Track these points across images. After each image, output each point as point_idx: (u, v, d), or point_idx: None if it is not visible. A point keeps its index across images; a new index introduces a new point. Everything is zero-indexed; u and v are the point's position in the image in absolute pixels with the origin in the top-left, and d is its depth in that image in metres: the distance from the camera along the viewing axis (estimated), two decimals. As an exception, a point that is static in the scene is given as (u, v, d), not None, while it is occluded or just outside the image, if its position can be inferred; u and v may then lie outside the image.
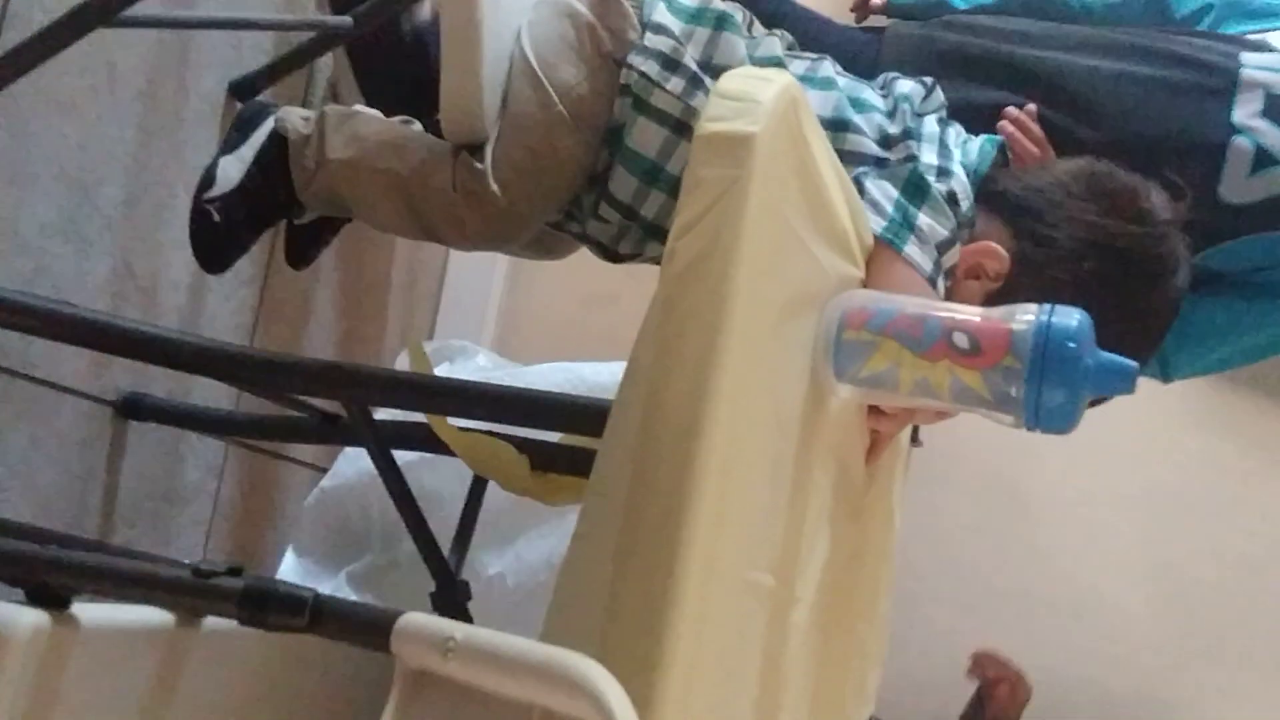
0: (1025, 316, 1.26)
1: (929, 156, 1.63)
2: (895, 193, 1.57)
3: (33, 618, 1.05)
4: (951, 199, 1.60)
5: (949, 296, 1.60)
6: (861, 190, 1.55)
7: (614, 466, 1.14)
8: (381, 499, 2.14)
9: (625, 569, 1.09)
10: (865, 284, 1.48)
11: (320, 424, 2.09)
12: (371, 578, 2.42)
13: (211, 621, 1.19)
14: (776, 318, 1.22)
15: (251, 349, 2.32)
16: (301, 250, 2.07)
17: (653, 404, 1.12)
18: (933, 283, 1.54)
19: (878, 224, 1.53)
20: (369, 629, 1.06)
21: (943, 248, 1.57)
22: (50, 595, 1.09)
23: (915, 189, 1.58)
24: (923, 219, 1.56)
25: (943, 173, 1.62)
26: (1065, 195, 1.66)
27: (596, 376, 2.35)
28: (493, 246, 1.90)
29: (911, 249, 1.52)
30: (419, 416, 1.84)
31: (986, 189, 1.68)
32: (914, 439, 1.77)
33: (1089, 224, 1.64)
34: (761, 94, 1.16)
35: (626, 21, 1.72)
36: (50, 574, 1.11)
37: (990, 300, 1.62)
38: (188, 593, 1.14)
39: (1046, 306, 1.27)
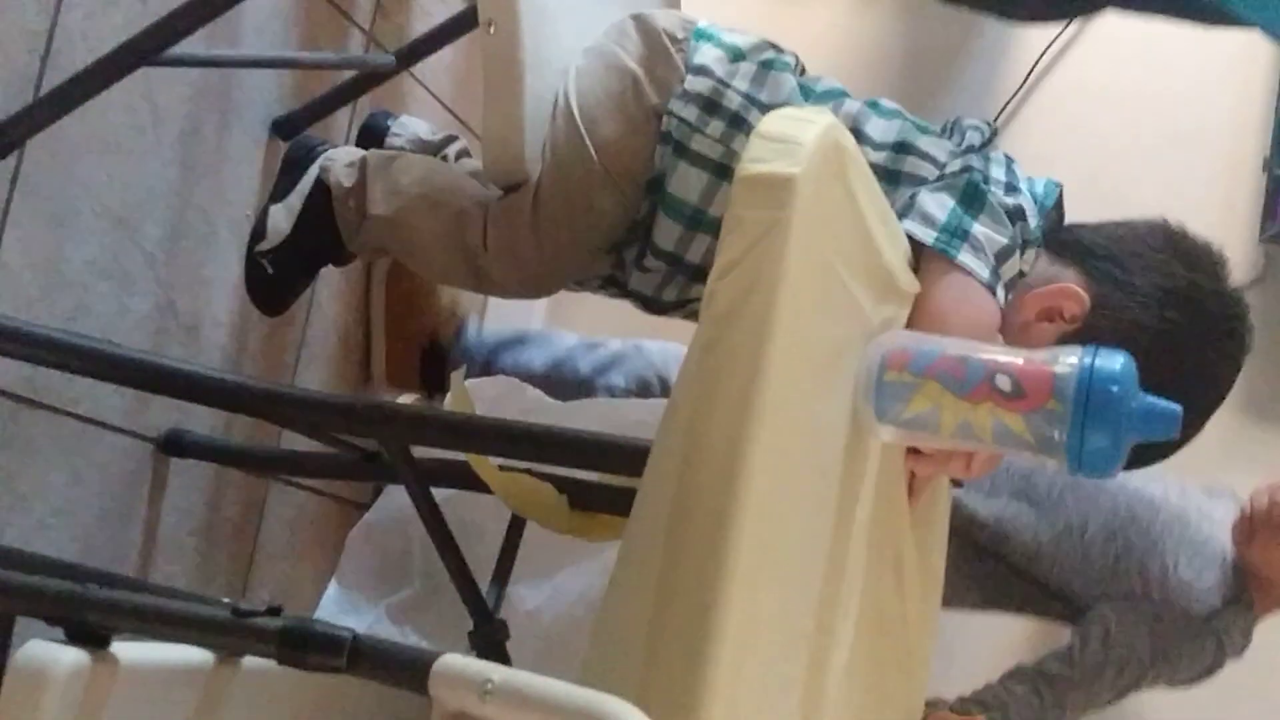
0: (1069, 359, 1.25)
1: (997, 173, 1.61)
2: (952, 202, 1.55)
3: (72, 656, 1.06)
4: (1019, 213, 1.58)
5: (1020, 340, 1.58)
6: (915, 203, 1.54)
7: (653, 508, 1.13)
8: (423, 532, 2.14)
9: (664, 611, 1.09)
10: (920, 299, 1.46)
11: (361, 461, 2.09)
12: (412, 610, 2.42)
13: (250, 661, 1.19)
14: (817, 359, 1.21)
15: (292, 388, 2.32)
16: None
17: (693, 445, 1.11)
18: (992, 290, 1.52)
19: (928, 235, 1.51)
20: (407, 670, 1.06)
21: (1001, 256, 1.54)
22: (90, 634, 1.09)
23: (972, 198, 1.56)
24: (978, 228, 1.53)
25: (1011, 189, 1.59)
26: (1144, 246, 1.65)
27: (636, 414, 2.34)
28: (528, 296, 1.91)
29: (965, 256, 1.50)
30: (459, 454, 1.84)
31: (1056, 236, 1.66)
32: (954, 480, 1.76)
33: (1169, 273, 1.62)
34: (803, 135, 1.16)
35: (675, 74, 1.71)
36: (90, 612, 1.11)
37: (1064, 344, 1.60)
38: (227, 632, 1.14)
39: (1090, 349, 1.26)
